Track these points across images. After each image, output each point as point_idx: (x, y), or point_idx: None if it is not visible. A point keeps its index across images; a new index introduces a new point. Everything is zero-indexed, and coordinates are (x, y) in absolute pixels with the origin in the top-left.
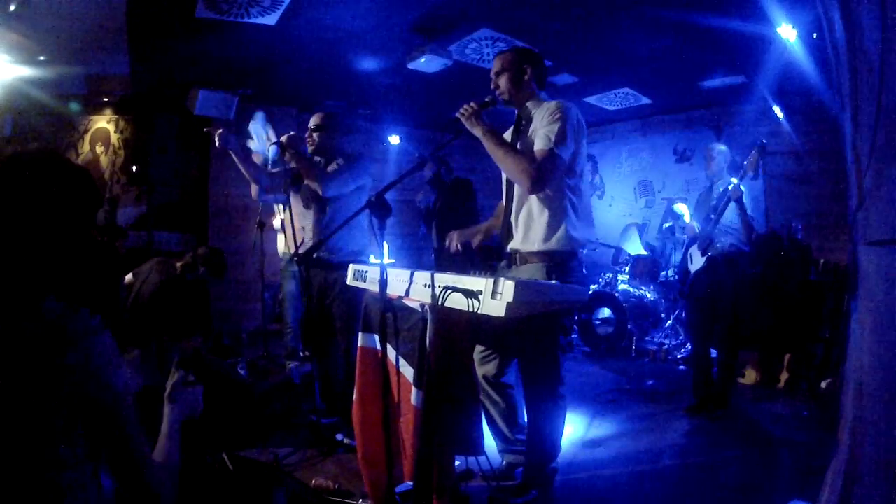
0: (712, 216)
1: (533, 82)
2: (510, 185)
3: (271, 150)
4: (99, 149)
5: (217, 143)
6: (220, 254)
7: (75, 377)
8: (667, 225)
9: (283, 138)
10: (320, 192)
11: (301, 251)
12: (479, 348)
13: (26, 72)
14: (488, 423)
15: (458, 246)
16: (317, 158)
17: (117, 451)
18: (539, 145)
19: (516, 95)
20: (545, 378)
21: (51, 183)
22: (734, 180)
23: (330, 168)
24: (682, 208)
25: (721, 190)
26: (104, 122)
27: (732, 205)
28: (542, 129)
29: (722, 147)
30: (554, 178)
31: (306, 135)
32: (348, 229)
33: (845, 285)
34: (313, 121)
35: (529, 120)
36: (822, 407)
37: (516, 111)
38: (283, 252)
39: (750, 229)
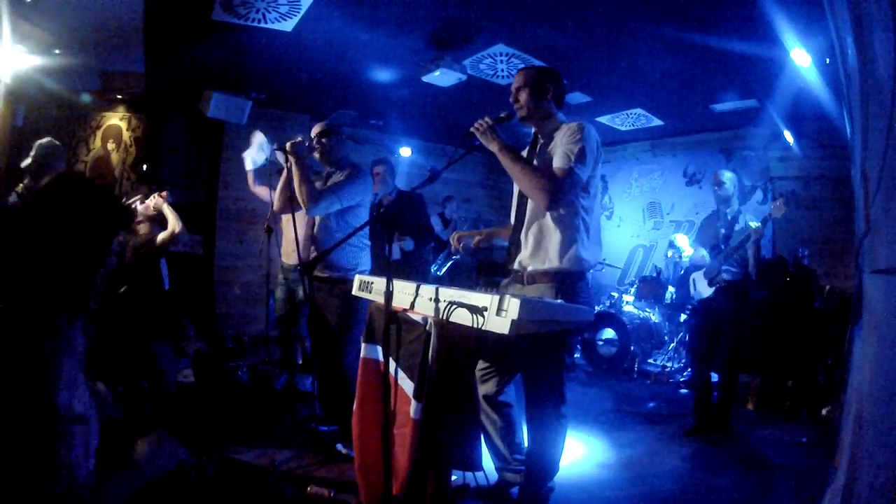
0: (722, 247)
1: (552, 101)
2: (521, 201)
3: (279, 156)
4: (110, 145)
5: (289, 148)
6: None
7: None
8: (669, 253)
9: (287, 144)
10: (305, 209)
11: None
12: (479, 366)
13: (40, 63)
14: (486, 441)
15: (460, 246)
16: (328, 170)
17: None
18: (558, 163)
19: (535, 112)
20: (549, 396)
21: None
22: (754, 224)
23: (329, 182)
24: (681, 241)
25: (729, 218)
26: (117, 119)
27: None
28: (561, 148)
29: (730, 174)
30: (570, 196)
31: (314, 142)
32: (347, 246)
33: (850, 312)
34: (315, 129)
35: (547, 138)
36: (821, 433)
37: (533, 129)
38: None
39: (757, 262)
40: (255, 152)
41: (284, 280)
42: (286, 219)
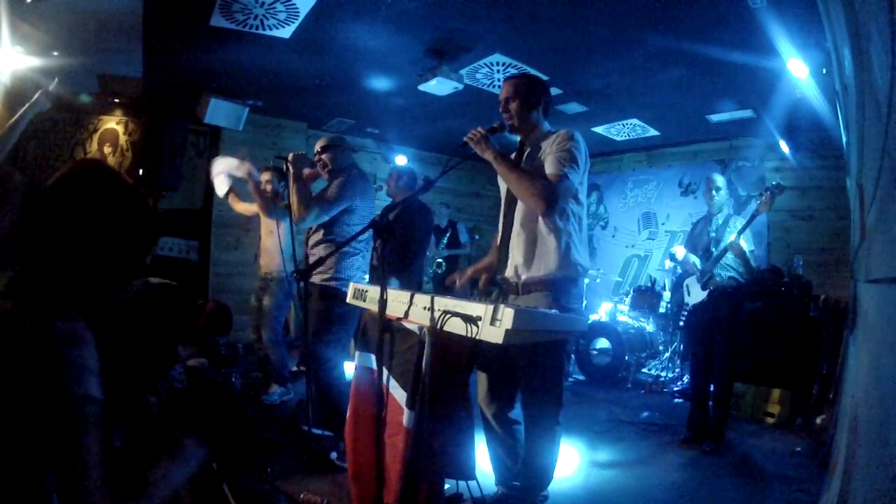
0: (713, 250)
1: (541, 111)
2: (509, 210)
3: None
4: (107, 149)
5: (290, 159)
6: (226, 312)
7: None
8: (668, 265)
9: (290, 155)
10: (296, 221)
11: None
12: (484, 385)
13: (38, 64)
14: (491, 457)
15: (465, 284)
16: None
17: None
18: (551, 170)
19: (524, 122)
20: (546, 405)
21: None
22: (732, 237)
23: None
24: (679, 253)
25: (721, 222)
26: (114, 122)
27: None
28: (552, 155)
29: (722, 178)
30: (565, 202)
31: (315, 158)
32: (339, 254)
33: (845, 322)
34: (318, 144)
35: (534, 147)
36: (816, 443)
37: (519, 138)
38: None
39: (751, 271)
40: (224, 178)
41: (257, 288)
42: (264, 229)
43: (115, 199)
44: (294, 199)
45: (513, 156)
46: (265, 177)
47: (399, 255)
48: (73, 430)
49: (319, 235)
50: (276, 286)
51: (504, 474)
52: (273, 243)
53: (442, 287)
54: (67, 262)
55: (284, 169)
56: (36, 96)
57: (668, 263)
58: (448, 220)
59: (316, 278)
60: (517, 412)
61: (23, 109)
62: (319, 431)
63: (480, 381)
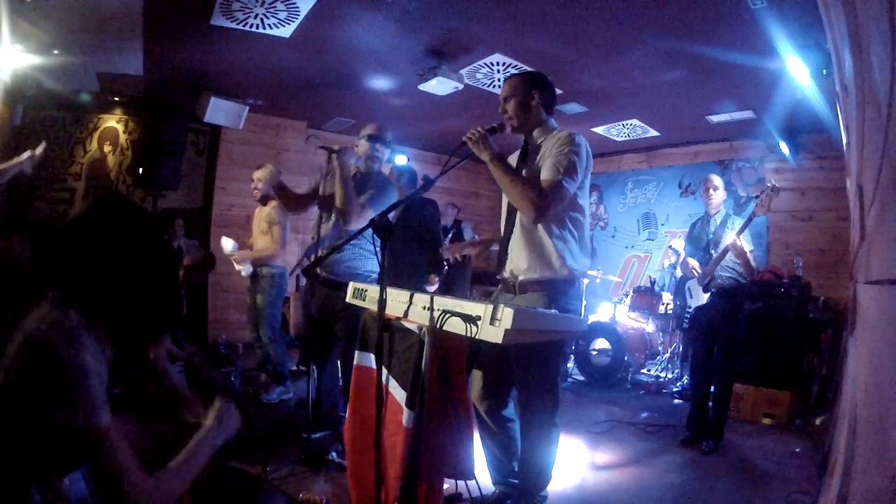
0: (712, 251)
1: (541, 108)
2: (511, 211)
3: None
4: (107, 148)
5: (335, 152)
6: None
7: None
8: (670, 261)
9: (337, 147)
10: (343, 220)
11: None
12: (479, 383)
13: (39, 63)
14: (487, 455)
15: (459, 258)
16: (359, 174)
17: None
18: (546, 175)
19: (524, 121)
20: (543, 404)
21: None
22: (729, 238)
23: (365, 195)
24: (678, 245)
25: (719, 223)
26: (114, 121)
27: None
28: (550, 159)
29: (719, 178)
30: (558, 209)
31: (369, 147)
32: (359, 250)
33: (844, 323)
34: (369, 130)
35: (536, 147)
36: (815, 443)
37: (523, 137)
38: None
39: (752, 271)
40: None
41: (248, 287)
42: (256, 227)
43: (140, 235)
44: (346, 198)
45: (516, 154)
46: (257, 175)
47: (418, 250)
48: (97, 453)
49: (346, 235)
50: (267, 284)
51: (501, 473)
52: (265, 242)
53: (445, 286)
54: (99, 298)
55: (327, 161)
56: (24, 156)
57: (671, 255)
58: (454, 220)
59: (351, 278)
60: (511, 410)
61: (8, 164)
62: (319, 434)
63: (475, 378)
